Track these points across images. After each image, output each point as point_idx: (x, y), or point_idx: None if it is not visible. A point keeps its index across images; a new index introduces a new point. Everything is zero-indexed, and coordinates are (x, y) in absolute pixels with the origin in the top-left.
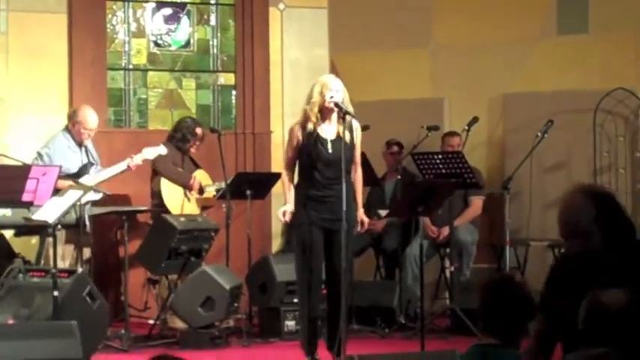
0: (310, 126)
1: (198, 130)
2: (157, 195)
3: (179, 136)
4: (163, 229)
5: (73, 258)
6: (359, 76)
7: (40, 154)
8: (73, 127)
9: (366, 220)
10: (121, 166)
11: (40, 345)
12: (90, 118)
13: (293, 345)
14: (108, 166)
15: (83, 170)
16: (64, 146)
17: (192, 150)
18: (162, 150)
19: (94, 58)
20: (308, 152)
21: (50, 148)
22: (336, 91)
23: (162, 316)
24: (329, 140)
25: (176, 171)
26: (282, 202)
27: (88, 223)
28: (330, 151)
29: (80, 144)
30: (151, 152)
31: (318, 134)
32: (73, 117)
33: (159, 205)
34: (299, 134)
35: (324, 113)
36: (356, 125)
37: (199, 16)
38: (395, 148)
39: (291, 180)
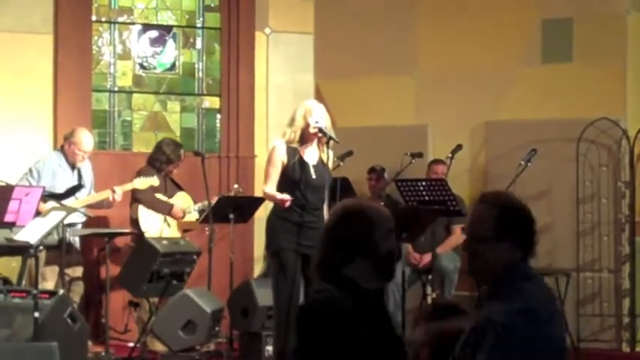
0: (293, 150)
1: (179, 152)
2: (135, 223)
3: (164, 159)
4: (145, 252)
5: (57, 278)
6: (344, 102)
7: (30, 170)
8: (68, 147)
9: None
10: (104, 194)
11: None
12: (85, 140)
13: None
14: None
15: (71, 192)
16: (55, 164)
17: (175, 172)
18: (154, 181)
19: (79, 80)
20: (293, 177)
21: (40, 164)
22: (321, 118)
23: (143, 339)
24: (311, 165)
25: (157, 200)
26: (264, 227)
27: (78, 244)
28: (314, 176)
29: (73, 165)
30: (143, 182)
31: (302, 158)
32: (69, 137)
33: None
34: (284, 157)
35: (305, 137)
36: (330, 152)
37: (185, 39)
38: (373, 176)
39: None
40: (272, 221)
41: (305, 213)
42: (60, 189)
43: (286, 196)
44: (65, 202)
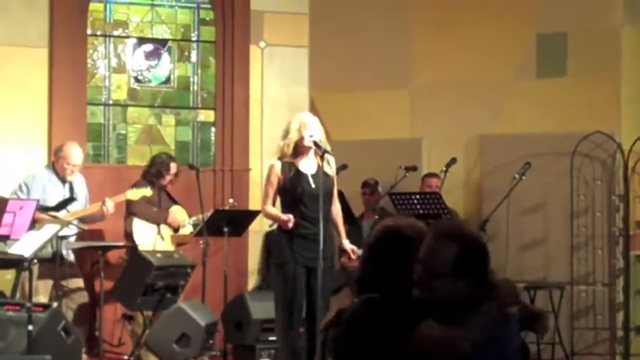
0: (289, 164)
1: (173, 166)
2: (129, 236)
3: (154, 172)
4: (140, 265)
5: (50, 292)
6: (338, 116)
7: (19, 185)
8: (57, 161)
9: (354, 248)
10: (94, 206)
11: None
12: (74, 154)
13: None
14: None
15: (63, 205)
16: (45, 179)
17: (169, 186)
18: (147, 192)
19: (74, 93)
20: (292, 188)
21: (29, 179)
22: (316, 131)
23: (137, 352)
24: (310, 175)
25: (151, 211)
26: (260, 241)
27: (71, 256)
28: (313, 185)
29: (64, 179)
30: (135, 193)
31: (298, 170)
32: (58, 152)
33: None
34: (279, 172)
35: (299, 149)
36: (332, 159)
37: (180, 52)
38: (366, 190)
39: None
40: (276, 234)
41: (306, 223)
42: (51, 203)
43: (289, 216)
44: (59, 215)
